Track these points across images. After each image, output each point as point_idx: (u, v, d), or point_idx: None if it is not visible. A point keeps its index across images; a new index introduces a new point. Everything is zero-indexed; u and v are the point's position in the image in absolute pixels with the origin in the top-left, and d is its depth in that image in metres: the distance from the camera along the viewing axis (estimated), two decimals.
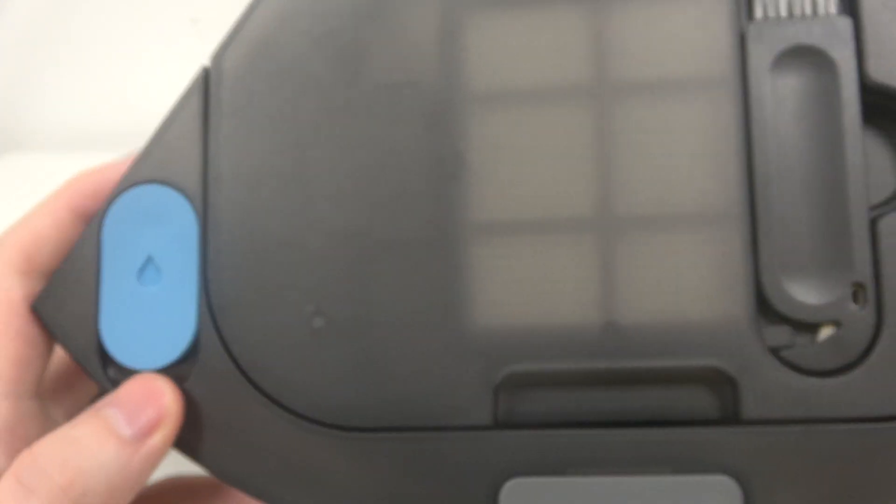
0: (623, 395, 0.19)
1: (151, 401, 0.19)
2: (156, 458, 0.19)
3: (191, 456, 0.20)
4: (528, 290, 0.19)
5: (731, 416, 0.19)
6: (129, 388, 0.19)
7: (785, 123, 0.19)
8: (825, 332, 0.19)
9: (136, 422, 0.19)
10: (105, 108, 0.39)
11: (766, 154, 0.19)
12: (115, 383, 0.20)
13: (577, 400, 0.19)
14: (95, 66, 0.40)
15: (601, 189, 0.20)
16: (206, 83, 0.21)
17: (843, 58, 0.19)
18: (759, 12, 0.20)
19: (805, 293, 0.19)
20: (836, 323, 0.19)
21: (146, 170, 0.21)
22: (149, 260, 0.20)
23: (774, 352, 0.19)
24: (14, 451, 0.19)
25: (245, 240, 0.20)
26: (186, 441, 0.20)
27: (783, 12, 0.20)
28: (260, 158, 0.20)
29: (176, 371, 0.20)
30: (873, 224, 0.19)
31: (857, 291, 0.19)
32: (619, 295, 0.19)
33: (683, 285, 0.19)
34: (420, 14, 0.20)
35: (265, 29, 0.21)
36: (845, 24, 0.19)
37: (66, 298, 0.20)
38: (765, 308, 0.19)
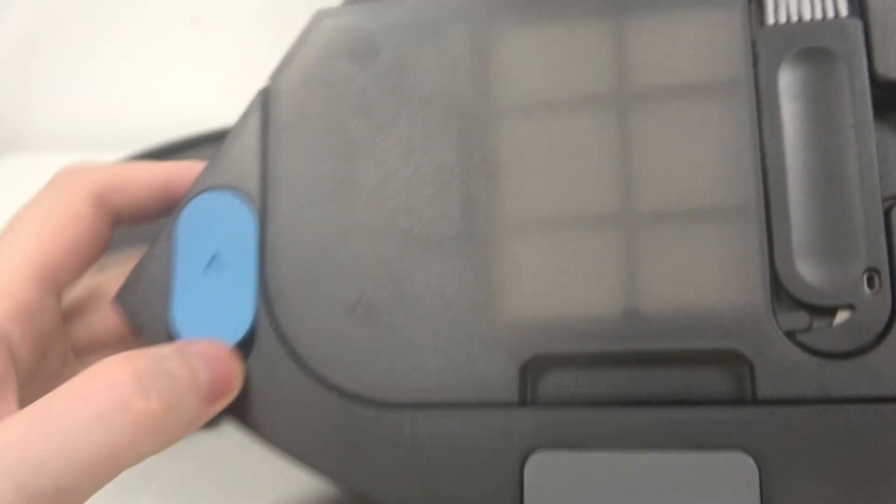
0: (644, 377, 0.20)
1: (227, 373, 0.21)
2: (204, 421, 0.20)
3: (248, 426, 0.22)
4: (555, 280, 0.21)
5: (747, 397, 0.19)
6: (210, 350, 0.21)
7: (798, 120, 0.20)
8: (841, 317, 0.20)
9: (211, 382, 0.20)
10: (105, 109, 0.39)
11: (779, 149, 0.20)
12: None
13: (599, 381, 0.20)
14: (95, 66, 0.40)
15: (624, 187, 0.21)
16: (265, 101, 0.23)
17: (854, 56, 0.20)
18: (770, 19, 0.21)
19: (820, 279, 0.20)
20: (851, 307, 0.19)
21: (213, 177, 0.23)
22: (214, 256, 0.23)
23: (790, 335, 0.19)
24: (28, 338, 0.21)
25: (298, 238, 0.22)
26: (245, 414, 0.22)
27: (794, 18, 0.21)
28: (312, 166, 0.23)
29: None
30: (887, 213, 0.19)
31: (872, 277, 0.19)
32: (640, 284, 0.20)
33: (702, 274, 0.20)
34: (455, 35, 0.23)
35: (316, 52, 0.23)
36: (855, 25, 0.20)
37: (144, 291, 0.23)
38: (781, 293, 0.20)
